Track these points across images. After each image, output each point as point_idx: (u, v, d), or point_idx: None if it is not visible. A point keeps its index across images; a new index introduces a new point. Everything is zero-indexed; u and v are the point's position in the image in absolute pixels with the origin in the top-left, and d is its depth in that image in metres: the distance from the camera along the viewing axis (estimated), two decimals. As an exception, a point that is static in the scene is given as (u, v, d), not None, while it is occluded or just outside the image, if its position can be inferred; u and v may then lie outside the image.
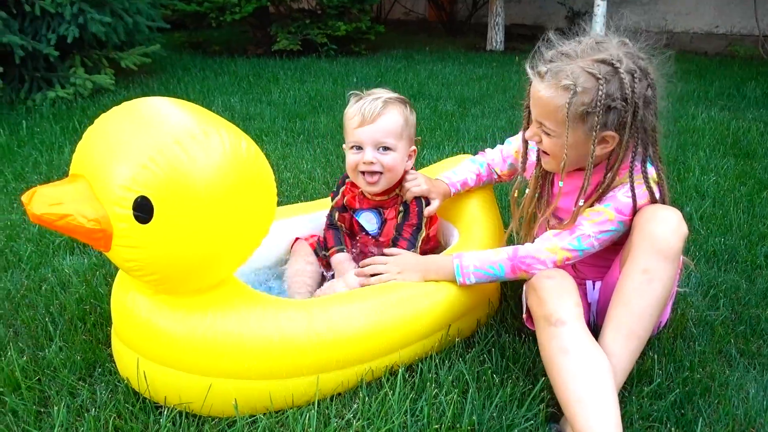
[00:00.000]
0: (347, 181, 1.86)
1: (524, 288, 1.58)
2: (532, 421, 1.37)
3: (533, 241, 1.58)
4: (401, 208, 1.79)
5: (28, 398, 1.39)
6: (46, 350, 1.57)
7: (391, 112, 1.71)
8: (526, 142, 1.61)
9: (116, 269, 1.77)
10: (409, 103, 1.80)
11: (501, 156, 1.93)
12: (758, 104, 4.85)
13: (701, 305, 1.88)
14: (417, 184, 1.79)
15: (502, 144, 1.97)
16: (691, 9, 8.15)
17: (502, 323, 1.72)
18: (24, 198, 1.18)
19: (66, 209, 1.18)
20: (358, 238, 1.86)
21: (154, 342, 1.32)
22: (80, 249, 2.18)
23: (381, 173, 1.73)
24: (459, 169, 1.94)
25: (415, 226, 1.77)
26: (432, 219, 1.88)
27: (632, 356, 1.37)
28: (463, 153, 3.36)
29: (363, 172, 1.74)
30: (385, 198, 1.82)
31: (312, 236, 1.97)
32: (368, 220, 1.84)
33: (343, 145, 1.82)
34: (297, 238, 1.96)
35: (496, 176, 1.97)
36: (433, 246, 1.93)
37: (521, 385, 1.48)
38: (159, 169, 1.14)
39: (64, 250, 2.17)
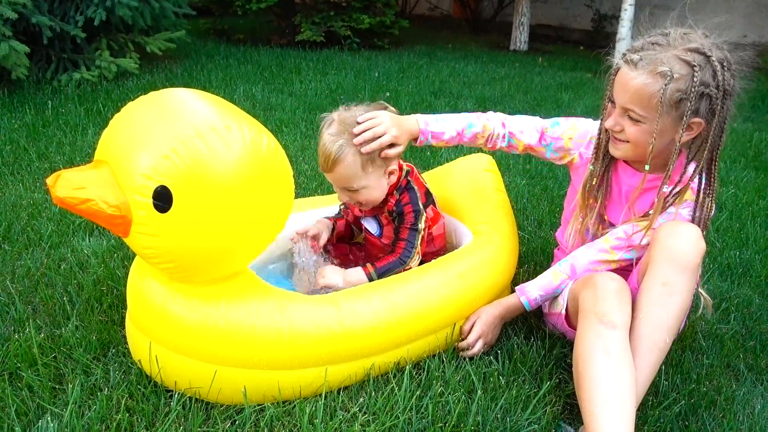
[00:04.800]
0: None
1: (573, 284, 1.59)
2: (536, 425, 1.38)
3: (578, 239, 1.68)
4: (394, 215, 1.75)
5: (44, 374, 1.43)
6: (63, 329, 1.61)
7: (345, 158, 1.59)
8: (606, 132, 1.58)
9: (134, 253, 1.81)
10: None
11: (537, 132, 1.76)
12: (783, 116, 4.79)
13: (712, 318, 1.87)
14: (379, 132, 1.58)
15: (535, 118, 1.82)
16: (720, 18, 8.04)
17: (512, 324, 1.73)
18: (48, 180, 1.21)
19: (88, 194, 1.21)
20: (363, 234, 1.88)
21: (168, 328, 1.35)
22: (99, 231, 2.22)
23: (361, 202, 1.73)
24: (445, 118, 1.74)
25: (412, 228, 1.72)
26: (434, 217, 1.82)
27: (653, 368, 1.38)
28: (481, 152, 3.36)
29: None
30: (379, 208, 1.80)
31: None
32: (370, 225, 1.85)
33: None
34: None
35: (504, 144, 1.79)
36: (440, 247, 1.89)
37: (527, 388, 1.49)
38: (180, 160, 1.16)
39: (84, 231, 2.21)
